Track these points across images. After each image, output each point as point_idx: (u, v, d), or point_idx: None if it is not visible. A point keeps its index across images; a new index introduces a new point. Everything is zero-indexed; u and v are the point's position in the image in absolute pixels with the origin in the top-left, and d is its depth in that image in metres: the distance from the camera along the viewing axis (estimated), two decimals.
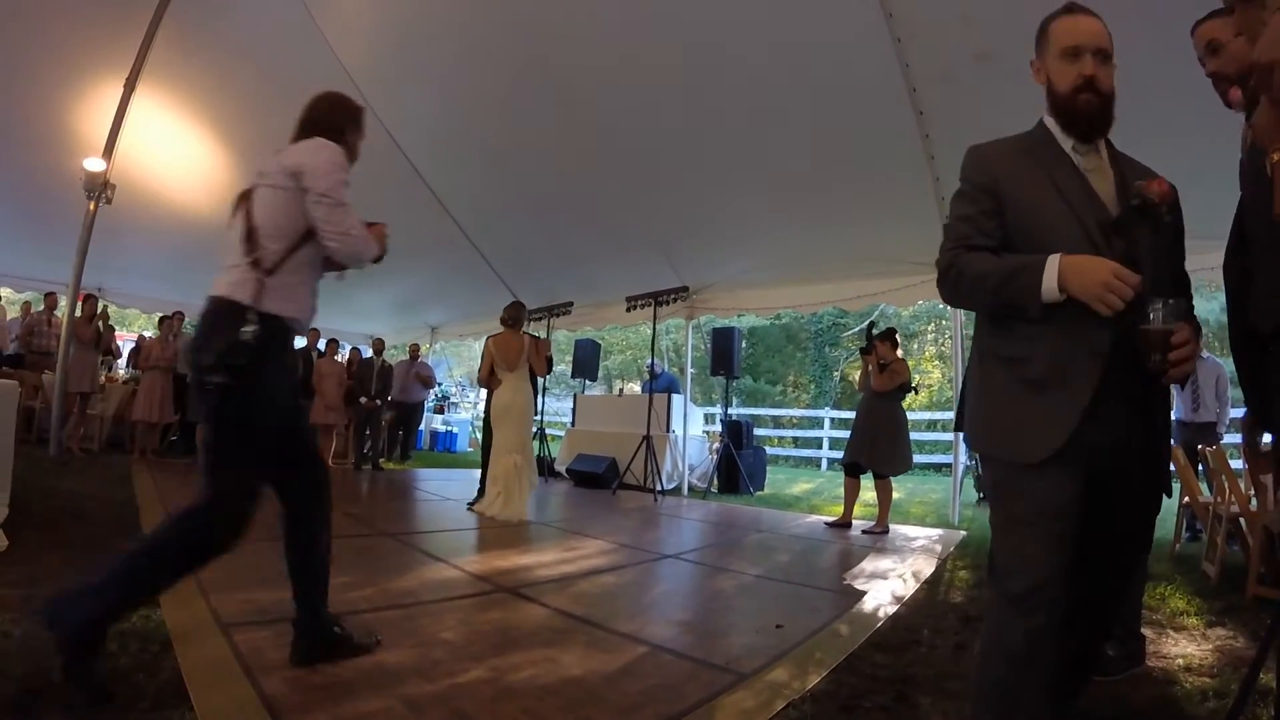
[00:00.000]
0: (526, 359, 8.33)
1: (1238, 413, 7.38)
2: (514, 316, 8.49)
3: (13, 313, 13.20)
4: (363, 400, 12.25)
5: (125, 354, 14.21)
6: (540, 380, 10.94)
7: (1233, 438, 9.10)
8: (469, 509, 8.14)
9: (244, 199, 3.09)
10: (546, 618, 3.95)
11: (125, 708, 2.37)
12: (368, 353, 13.33)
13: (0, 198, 11.16)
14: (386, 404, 13.20)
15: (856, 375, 8.59)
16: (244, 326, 2.68)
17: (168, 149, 10.68)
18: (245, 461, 2.82)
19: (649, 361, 14.27)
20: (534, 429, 8.48)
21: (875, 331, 8.46)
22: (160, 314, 12.49)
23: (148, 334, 11.94)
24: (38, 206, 11.15)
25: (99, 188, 9.44)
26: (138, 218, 11.23)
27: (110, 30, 8.70)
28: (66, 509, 5.75)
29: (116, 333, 14.15)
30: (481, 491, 8.39)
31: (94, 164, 9.36)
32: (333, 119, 3.44)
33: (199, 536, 2.78)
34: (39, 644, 2.71)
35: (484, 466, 8.50)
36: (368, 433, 12.56)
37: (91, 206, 9.55)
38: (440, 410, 18.84)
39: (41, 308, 11.87)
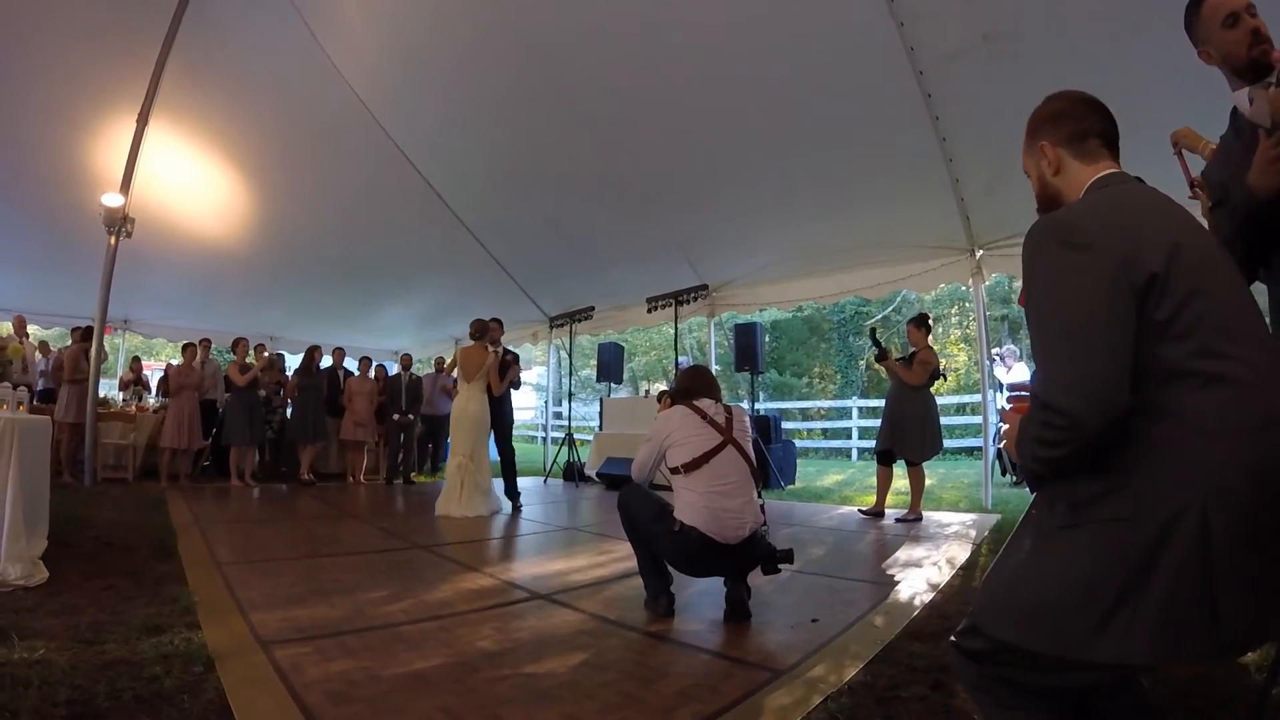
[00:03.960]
0: (485, 374, 8.74)
1: None
2: (477, 331, 8.94)
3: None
4: (395, 416, 12.33)
5: (154, 383, 14.38)
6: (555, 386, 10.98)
7: None
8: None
9: (731, 442, 4.01)
10: (581, 622, 3.97)
11: None
12: (393, 368, 13.40)
13: (24, 237, 11.39)
14: (418, 417, 13.29)
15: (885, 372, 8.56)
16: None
17: (183, 180, 10.85)
18: None
19: (682, 360, 14.30)
20: (488, 436, 8.91)
21: (879, 335, 8.50)
22: (186, 342, 12.65)
23: (175, 362, 12.09)
24: (60, 244, 11.37)
25: (119, 222, 9.58)
26: (158, 249, 11.43)
27: (119, 66, 8.83)
28: (103, 538, 5.82)
29: (144, 362, 14.33)
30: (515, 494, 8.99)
31: (112, 199, 9.50)
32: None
33: None
34: (84, 669, 2.78)
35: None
36: (400, 446, 12.64)
37: (112, 241, 9.69)
38: None
39: (69, 343, 12.04)
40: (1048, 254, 1.64)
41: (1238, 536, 1.36)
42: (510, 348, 9.41)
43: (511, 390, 9.57)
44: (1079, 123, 1.87)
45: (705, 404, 4.12)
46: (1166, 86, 5.15)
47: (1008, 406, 2.55)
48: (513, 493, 9.10)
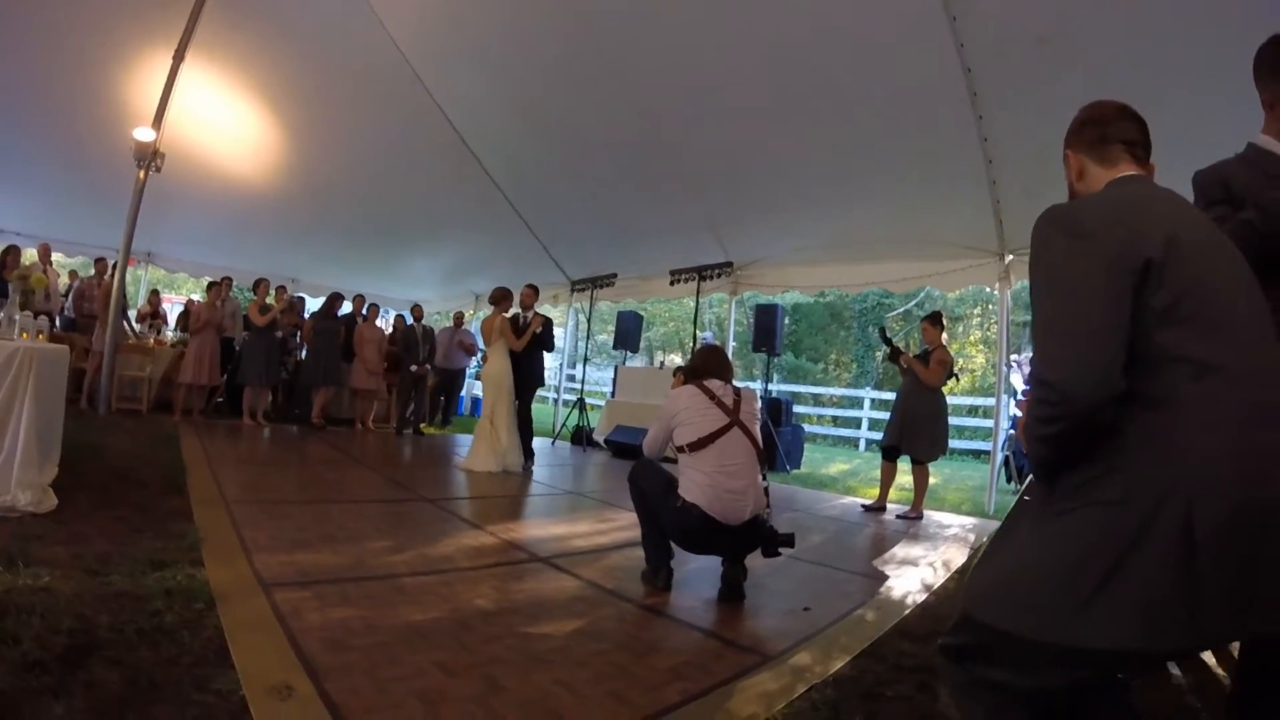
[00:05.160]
0: (498, 335, 9.03)
1: None
2: (491, 298, 9.36)
3: (65, 275, 13.56)
4: (414, 368, 12.40)
5: (173, 317, 14.47)
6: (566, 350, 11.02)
7: None
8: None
9: (738, 424, 4.03)
10: (579, 589, 4.03)
11: (169, 663, 2.46)
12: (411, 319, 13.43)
13: (53, 167, 11.46)
14: (432, 369, 13.33)
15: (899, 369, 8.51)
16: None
17: (215, 118, 10.88)
18: None
19: (705, 334, 14.25)
20: (510, 396, 9.11)
21: (889, 333, 8.47)
22: (209, 278, 12.75)
23: (195, 298, 12.16)
24: (89, 175, 11.43)
25: (148, 157, 9.60)
26: (186, 185, 11.48)
27: (159, 3, 8.81)
28: (115, 469, 5.89)
29: (165, 296, 14.46)
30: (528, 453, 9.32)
31: (144, 134, 9.52)
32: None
33: None
34: (87, 599, 2.85)
35: None
36: (412, 397, 12.75)
37: (141, 175, 9.71)
38: (480, 378, 19.08)
39: (92, 273, 12.20)
40: (1049, 242, 1.71)
41: (1220, 526, 1.38)
42: (538, 312, 9.48)
43: (544, 353, 9.74)
44: (1101, 129, 1.94)
45: (714, 385, 4.14)
46: (1215, 99, 5.09)
47: (1023, 398, 2.58)
48: (525, 452, 9.21)
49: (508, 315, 9.21)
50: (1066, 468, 1.60)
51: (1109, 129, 1.93)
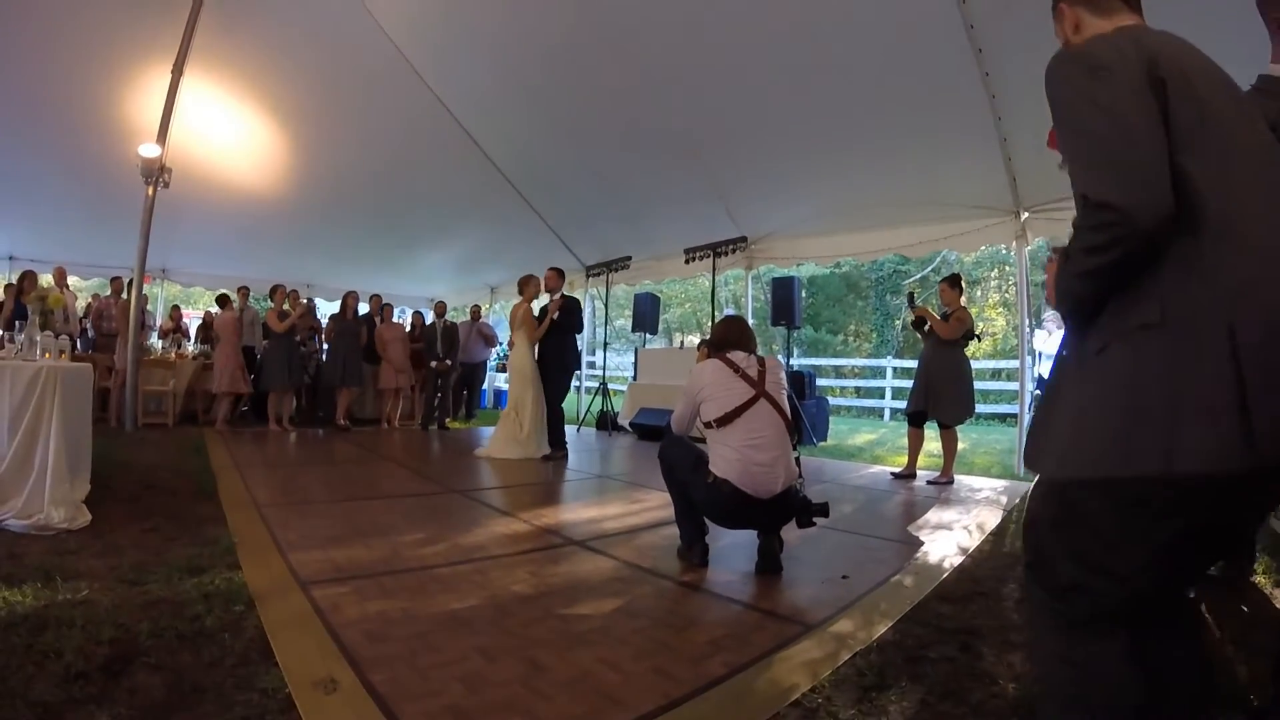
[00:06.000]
0: (521, 325, 9.09)
1: None
2: (518, 285, 9.42)
3: (83, 300, 13.72)
4: (434, 364, 12.42)
5: (193, 331, 14.57)
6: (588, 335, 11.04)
7: None
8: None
9: (764, 396, 3.97)
10: (615, 569, 4.03)
11: (212, 665, 2.49)
12: (429, 316, 13.42)
13: (62, 189, 11.48)
14: (455, 364, 13.34)
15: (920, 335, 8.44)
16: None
17: (219, 129, 10.85)
18: None
19: (727, 311, 14.19)
20: (534, 386, 9.13)
21: (918, 299, 8.38)
22: (222, 290, 12.87)
23: (214, 310, 12.29)
24: (98, 195, 11.47)
25: (156, 172, 9.62)
26: (195, 199, 11.48)
27: (153, 18, 8.75)
28: (145, 481, 5.95)
29: (184, 311, 14.56)
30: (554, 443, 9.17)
31: (149, 150, 9.54)
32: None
33: None
34: (127, 609, 2.87)
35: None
36: (438, 393, 12.77)
37: (150, 191, 9.74)
38: (502, 369, 19.08)
39: (109, 293, 12.33)
40: (1072, 80, 1.69)
41: (1263, 345, 1.36)
42: (565, 293, 9.41)
43: (574, 336, 9.64)
44: None
45: (737, 356, 4.09)
46: (1220, 31, 5.01)
47: (1052, 254, 2.52)
48: (551, 441, 9.08)
49: (533, 303, 9.15)
50: (1102, 308, 1.58)
51: None
